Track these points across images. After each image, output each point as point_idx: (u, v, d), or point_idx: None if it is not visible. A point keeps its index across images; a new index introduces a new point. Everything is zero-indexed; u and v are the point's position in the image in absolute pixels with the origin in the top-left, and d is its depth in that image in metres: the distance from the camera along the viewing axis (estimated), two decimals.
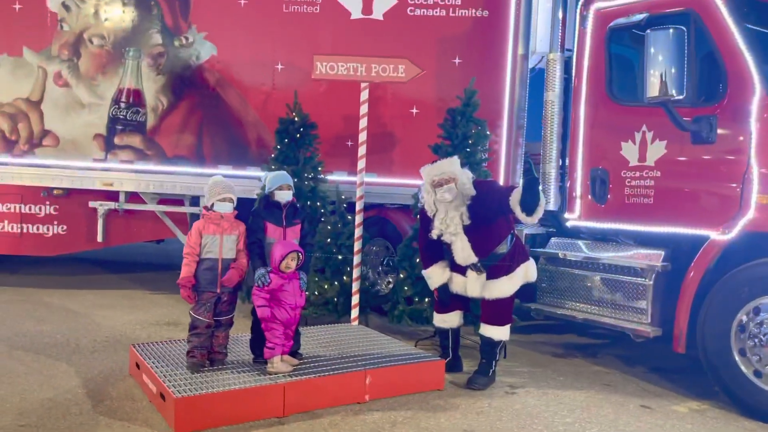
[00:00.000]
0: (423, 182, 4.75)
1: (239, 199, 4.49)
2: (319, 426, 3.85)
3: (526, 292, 5.45)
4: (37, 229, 7.66)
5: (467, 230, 4.60)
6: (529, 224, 4.73)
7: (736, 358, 4.36)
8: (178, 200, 7.63)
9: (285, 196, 4.40)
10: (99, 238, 7.63)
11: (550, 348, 6.03)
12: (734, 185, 4.52)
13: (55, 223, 7.70)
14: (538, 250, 5.72)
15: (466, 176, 4.62)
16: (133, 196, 7.58)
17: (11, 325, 5.90)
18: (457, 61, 6.87)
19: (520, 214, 4.36)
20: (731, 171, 4.55)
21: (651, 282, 4.93)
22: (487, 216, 4.57)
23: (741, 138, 4.51)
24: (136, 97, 7.42)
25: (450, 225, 4.57)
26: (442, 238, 4.68)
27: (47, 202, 7.67)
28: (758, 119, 4.41)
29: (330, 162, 6.80)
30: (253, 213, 4.46)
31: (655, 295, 4.92)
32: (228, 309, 4.31)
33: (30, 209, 7.66)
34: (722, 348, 4.42)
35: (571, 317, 5.45)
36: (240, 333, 4.93)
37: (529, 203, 4.29)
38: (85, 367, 4.77)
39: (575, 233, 5.72)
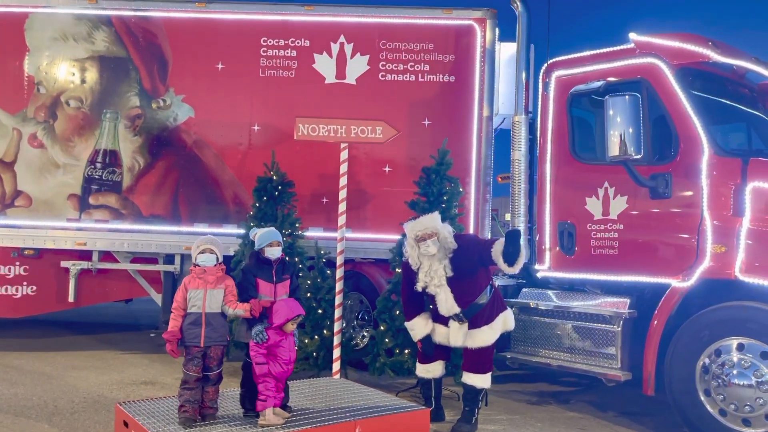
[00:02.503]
0: (406, 237, 4.99)
1: None
2: None
3: (501, 341, 5.69)
4: (6, 290, 7.54)
5: (450, 282, 4.84)
6: (509, 274, 5.00)
7: (702, 399, 4.65)
8: (152, 259, 7.67)
9: (275, 253, 4.55)
10: (70, 298, 7.57)
11: (525, 396, 6.23)
12: (690, 236, 4.92)
13: (25, 283, 7.60)
14: (511, 300, 5.98)
15: (447, 230, 4.90)
16: (107, 256, 7.59)
17: None
18: (426, 122, 7.29)
19: (502, 264, 4.65)
20: (687, 223, 4.96)
21: (619, 328, 5.23)
22: (469, 268, 4.83)
23: (694, 193, 4.94)
24: (112, 158, 7.54)
25: (434, 277, 4.81)
26: (426, 290, 4.90)
27: (17, 263, 7.59)
28: (708, 176, 4.86)
29: (306, 218, 7.01)
30: (244, 270, 4.60)
31: (624, 341, 5.22)
32: (216, 364, 4.38)
33: None
34: (688, 389, 4.71)
35: (546, 365, 5.69)
36: (228, 389, 4.97)
37: (512, 254, 4.58)
38: (67, 427, 4.73)
39: (544, 284, 6.03)
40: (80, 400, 5.49)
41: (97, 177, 7.52)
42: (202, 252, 4.39)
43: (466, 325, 4.93)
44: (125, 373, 6.61)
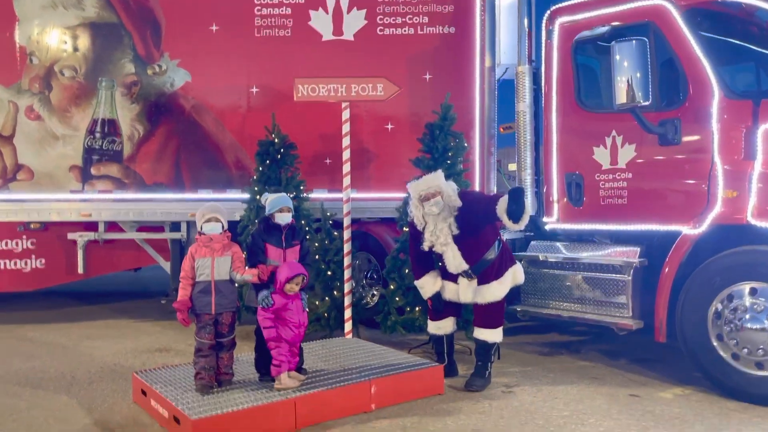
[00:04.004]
0: (410, 197, 4.94)
1: None
2: None
3: (511, 295, 5.70)
4: (15, 264, 7.56)
5: (456, 239, 4.81)
6: (514, 230, 4.96)
7: (714, 344, 4.66)
8: (158, 227, 7.66)
9: (285, 219, 4.52)
10: (80, 270, 7.59)
11: (537, 347, 6.28)
12: (701, 182, 4.85)
13: (33, 257, 7.62)
14: (519, 253, 5.96)
15: (451, 188, 4.84)
16: (113, 226, 7.58)
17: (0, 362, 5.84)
18: (427, 76, 7.13)
19: (507, 221, 4.60)
20: (698, 169, 4.88)
21: (630, 277, 5.21)
22: (475, 225, 4.79)
23: (704, 138, 4.85)
24: (111, 127, 7.44)
25: (440, 236, 4.77)
26: (433, 250, 4.87)
27: (24, 237, 7.59)
28: (718, 120, 4.76)
29: (310, 180, 6.95)
30: (253, 235, 4.57)
31: (635, 290, 5.21)
32: (228, 330, 4.40)
33: (6, 245, 7.57)
34: (700, 335, 4.71)
35: (557, 316, 5.70)
36: (242, 353, 5.02)
37: (516, 211, 4.53)
38: (86, 398, 4.78)
39: (553, 236, 5.99)
40: (97, 370, 5.55)
41: (97, 147, 7.44)
42: (208, 221, 4.36)
43: (476, 281, 4.92)
44: (139, 340, 6.67)
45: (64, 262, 7.66)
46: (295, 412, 4.07)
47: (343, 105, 5.85)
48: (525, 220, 4.62)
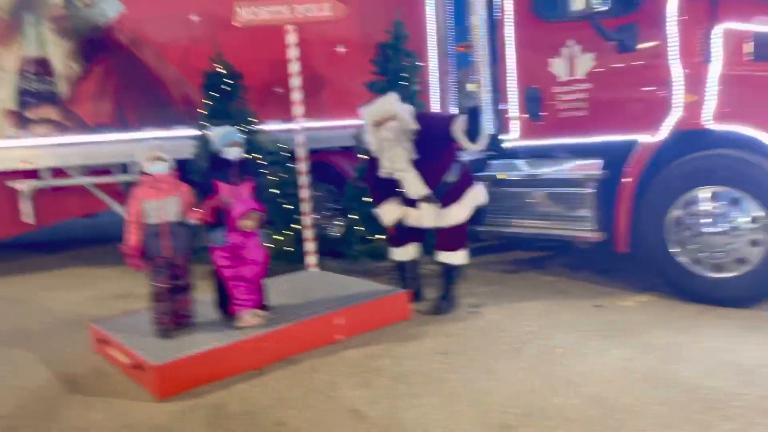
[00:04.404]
0: (365, 123, 4.74)
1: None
2: (300, 371, 3.93)
3: (474, 215, 5.63)
4: None
5: (415, 164, 4.66)
6: (473, 151, 4.82)
7: (674, 250, 4.70)
8: (106, 170, 7.32)
9: (235, 153, 4.31)
10: (30, 220, 7.24)
11: (502, 266, 6.30)
12: (661, 89, 4.75)
13: None
14: (481, 173, 5.86)
15: (406, 111, 4.64)
16: (60, 172, 7.22)
17: None
18: None
19: (465, 142, 4.45)
20: (657, 75, 4.77)
21: (592, 190, 5.17)
22: (433, 147, 4.64)
23: (662, 42, 4.71)
24: (42, 66, 6.95)
25: (397, 162, 4.61)
26: (391, 176, 4.73)
27: None
28: (675, 22, 4.60)
29: (262, 112, 6.67)
30: (203, 173, 4.35)
31: (597, 203, 5.18)
32: (183, 273, 4.24)
33: None
34: (660, 242, 4.75)
35: (519, 234, 5.68)
36: (202, 294, 4.88)
37: (473, 131, 4.38)
38: (46, 351, 4.63)
39: (514, 154, 5.89)
40: (55, 322, 5.38)
41: (31, 89, 6.96)
42: (152, 160, 4.12)
43: (437, 205, 4.81)
44: (98, 288, 6.49)
45: (10, 213, 7.31)
46: (260, 349, 4.00)
47: (289, 28, 5.52)
48: (483, 140, 4.48)
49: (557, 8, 5.29)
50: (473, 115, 4.36)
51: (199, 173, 4.49)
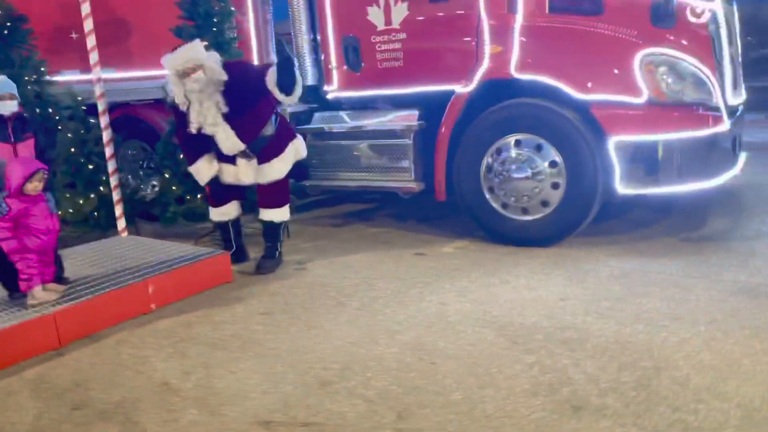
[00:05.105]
0: (168, 74, 4.33)
1: None
2: (105, 347, 3.58)
3: (299, 170, 5.48)
4: None
5: (228, 118, 4.36)
6: (289, 104, 4.61)
7: (487, 196, 4.92)
8: None
9: (9, 107, 3.76)
10: None
11: (330, 220, 6.25)
12: (471, 39, 4.86)
13: None
14: (304, 127, 5.70)
15: (214, 60, 4.30)
16: None
17: None
18: None
19: (279, 95, 4.23)
20: (467, 26, 4.87)
21: (410, 141, 5.22)
22: (246, 99, 4.36)
23: None
24: None
25: (207, 116, 4.28)
26: (202, 131, 4.39)
27: None
28: None
29: (55, 61, 5.91)
30: None
31: (416, 154, 5.25)
32: None
33: None
34: (474, 189, 4.94)
35: (345, 187, 5.64)
36: None
37: (286, 83, 4.17)
38: None
39: (337, 105, 5.78)
40: None
41: None
42: None
43: (255, 160, 4.58)
44: None
45: None
46: (57, 327, 3.58)
47: None
48: (298, 92, 4.28)
49: None
50: (285, 65, 4.13)
51: None
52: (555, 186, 4.68)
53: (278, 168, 4.62)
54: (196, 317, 3.93)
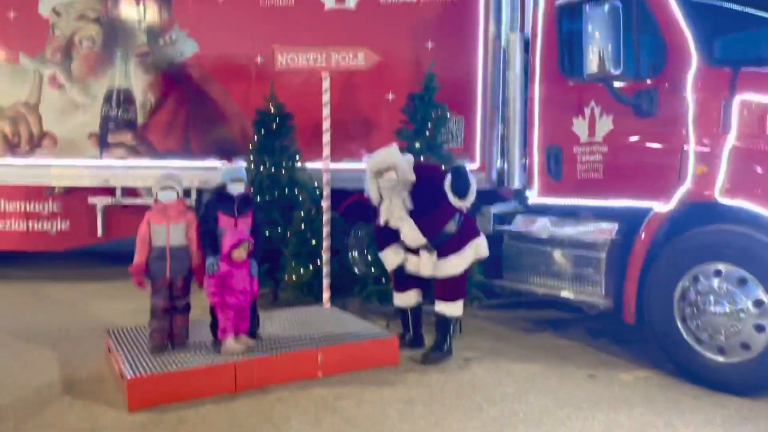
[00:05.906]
0: (366, 172, 4.92)
1: None
2: (266, 400, 4.10)
3: (493, 268, 5.62)
4: (42, 226, 8.10)
5: (413, 214, 4.77)
6: (463, 207, 4.83)
7: (679, 326, 4.44)
8: None
9: (237, 188, 4.64)
10: (99, 233, 8.03)
11: (522, 323, 6.16)
12: (674, 157, 4.57)
13: (59, 219, 8.13)
14: (503, 227, 5.83)
15: (406, 163, 4.78)
16: (131, 191, 7.96)
17: (11, 316, 6.31)
18: (429, 45, 6.97)
19: (452, 198, 4.53)
20: (672, 143, 4.60)
21: (604, 255, 5.00)
22: (430, 198, 4.73)
23: (680, 109, 4.55)
24: (126, 96, 7.76)
25: (394, 211, 4.76)
26: (389, 225, 4.86)
27: (50, 200, 8.11)
28: (694, 89, 4.45)
29: (308, 151, 7.02)
30: (206, 204, 4.72)
31: (609, 268, 4.99)
32: (182, 294, 4.57)
33: (35, 208, 8.11)
34: (666, 316, 4.50)
35: (532, 292, 5.57)
36: (203, 317, 5.20)
37: (460, 188, 4.45)
38: (68, 353, 5.11)
39: (541, 210, 5.81)
40: (91, 327, 5.89)
41: (113, 115, 7.79)
42: (163, 189, 4.52)
43: (435, 254, 4.87)
44: (140, 301, 6.94)
45: (86, 225, 8.11)
46: (235, 375, 4.21)
47: (323, 74, 5.85)
48: (471, 197, 4.53)
49: (581, 69, 5.23)
50: (460, 172, 4.43)
51: (204, 204, 4.87)
52: (760, 329, 4.04)
53: (455, 264, 4.83)
54: (349, 391, 4.25)
